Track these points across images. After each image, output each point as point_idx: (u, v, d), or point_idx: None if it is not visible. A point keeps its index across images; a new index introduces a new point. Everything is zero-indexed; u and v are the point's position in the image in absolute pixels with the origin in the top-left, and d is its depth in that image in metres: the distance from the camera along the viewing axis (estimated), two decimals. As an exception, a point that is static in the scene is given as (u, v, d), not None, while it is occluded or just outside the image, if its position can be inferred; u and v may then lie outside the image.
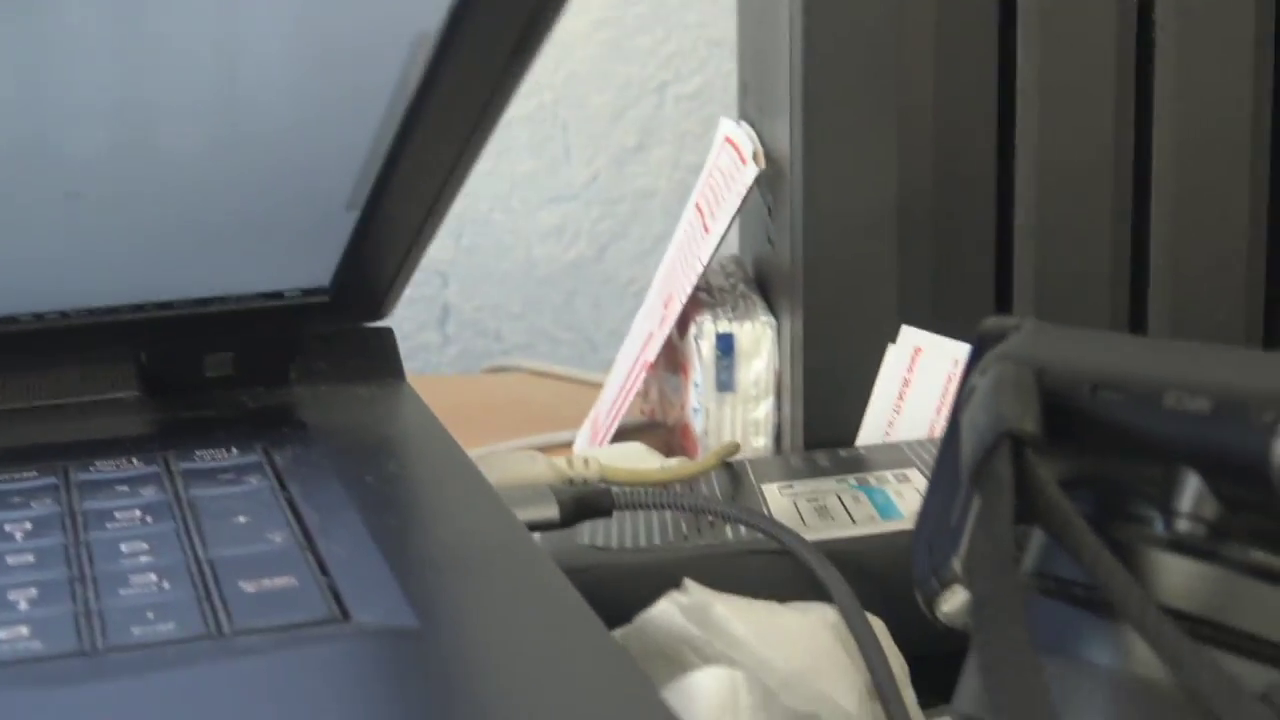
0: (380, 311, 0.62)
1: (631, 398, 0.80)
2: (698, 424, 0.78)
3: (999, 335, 0.46)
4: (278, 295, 0.59)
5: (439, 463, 0.55)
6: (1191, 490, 0.40)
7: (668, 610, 0.47)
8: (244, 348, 0.61)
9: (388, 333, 0.64)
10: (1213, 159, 0.71)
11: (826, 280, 0.73)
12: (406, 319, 1.27)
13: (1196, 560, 0.40)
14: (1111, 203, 0.72)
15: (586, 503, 0.55)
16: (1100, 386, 0.41)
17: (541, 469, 0.58)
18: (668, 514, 0.60)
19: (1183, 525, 0.40)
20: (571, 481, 0.59)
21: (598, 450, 0.72)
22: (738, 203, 0.78)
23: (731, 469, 0.67)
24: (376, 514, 0.49)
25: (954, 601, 0.46)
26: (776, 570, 0.55)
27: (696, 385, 0.78)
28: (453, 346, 1.28)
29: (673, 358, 0.85)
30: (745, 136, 0.81)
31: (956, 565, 0.45)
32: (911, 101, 0.72)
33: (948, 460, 0.47)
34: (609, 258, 1.27)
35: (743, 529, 0.57)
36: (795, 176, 0.73)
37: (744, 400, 0.78)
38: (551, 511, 0.55)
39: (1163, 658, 0.38)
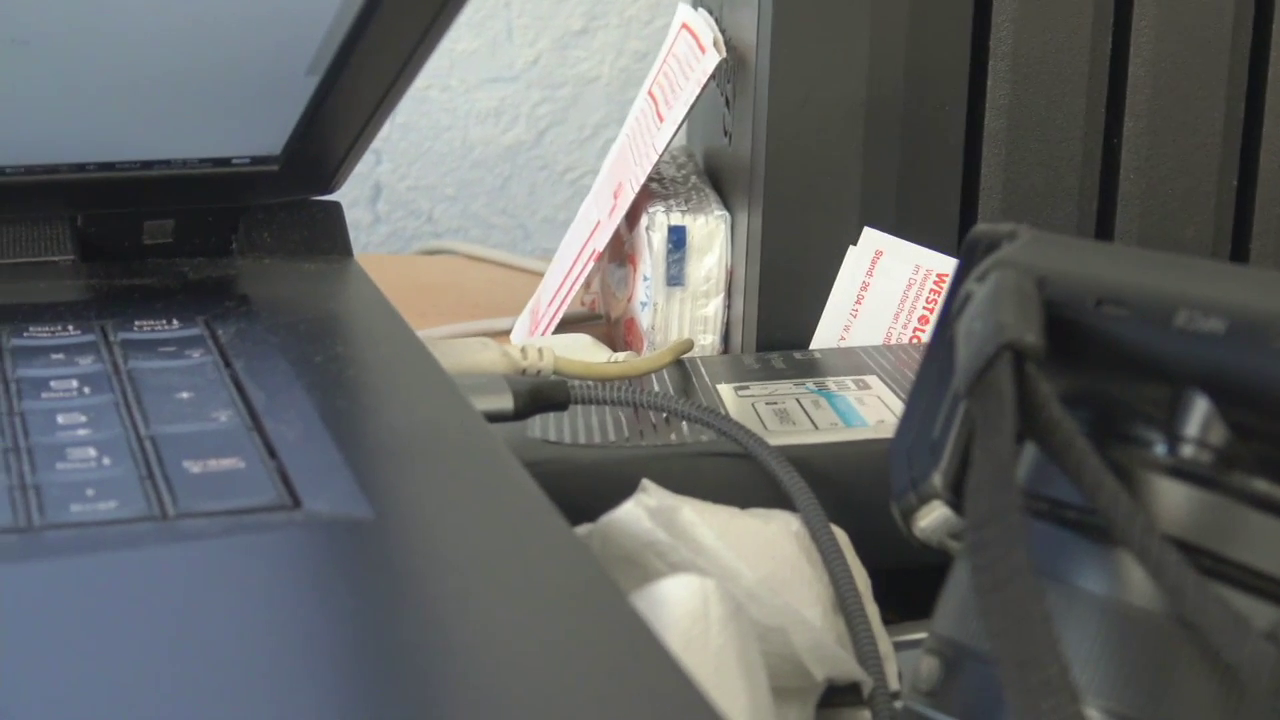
0: (330, 185, 0.60)
1: (578, 287, 0.78)
2: (644, 319, 0.76)
3: (993, 242, 0.44)
4: (225, 162, 0.57)
5: (391, 345, 0.52)
6: (1200, 414, 0.38)
7: (634, 512, 0.45)
8: (186, 215, 0.59)
9: (335, 207, 0.62)
10: (1190, 69, 0.70)
11: (788, 176, 0.70)
12: (338, 195, 1.24)
13: (1200, 488, 0.38)
14: (1085, 110, 0.70)
15: (542, 395, 0.53)
16: (1105, 300, 0.39)
17: (494, 357, 0.56)
18: (619, 411, 0.58)
19: (1188, 450, 0.38)
20: (524, 372, 0.57)
21: (548, 340, 0.70)
22: (696, 91, 0.76)
23: (682, 367, 0.65)
24: (326, 396, 0.47)
25: (932, 517, 0.44)
26: (736, 474, 0.53)
27: (645, 279, 0.76)
28: (383, 226, 1.25)
29: (619, 249, 0.82)
30: (704, 24, 0.79)
31: (937, 480, 0.43)
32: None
33: (932, 370, 0.45)
34: (547, 143, 1.25)
35: (697, 430, 0.55)
36: (760, 66, 0.70)
37: (694, 296, 0.75)
38: (506, 402, 0.52)
39: (1163, 589, 0.36)
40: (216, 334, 0.51)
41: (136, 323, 0.52)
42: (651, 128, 0.79)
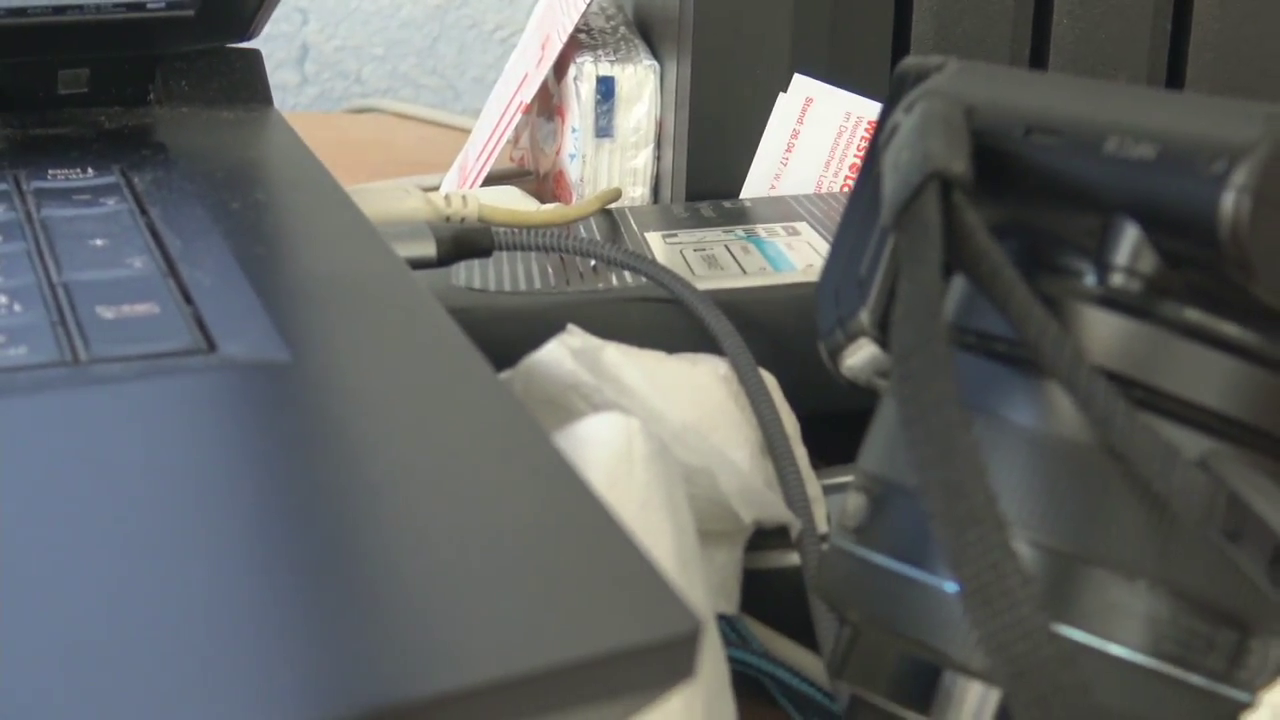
0: (248, 31, 0.59)
1: (505, 139, 0.77)
2: (573, 171, 0.75)
3: (921, 74, 0.43)
4: (140, 6, 0.55)
5: (311, 192, 0.51)
6: (1129, 242, 0.37)
7: (557, 353, 0.44)
8: (101, 64, 0.57)
9: (255, 55, 0.60)
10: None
11: (717, 23, 0.69)
12: (264, 56, 1.22)
13: (1129, 318, 0.37)
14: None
15: (466, 241, 0.52)
16: (1034, 129, 0.39)
17: (417, 204, 0.55)
18: (543, 259, 0.57)
19: (1117, 279, 0.38)
20: (449, 219, 0.56)
21: (474, 191, 0.69)
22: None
23: (610, 217, 0.64)
24: (243, 242, 0.46)
25: (859, 355, 0.43)
26: (664, 319, 0.52)
27: (574, 130, 0.75)
28: (311, 87, 1.23)
29: (547, 103, 0.81)
30: None
31: (864, 317, 0.43)
32: None
33: (859, 206, 0.44)
34: (475, 1, 1.23)
35: (626, 277, 0.54)
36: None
37: (623, 148, 0.75)
38: (429, 249, 0.51)
39: (1092, 419, 0.36)
40: (132, 182, 0.50)
41: (50, 171, 0.51)
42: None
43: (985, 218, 0.39)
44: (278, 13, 1.21)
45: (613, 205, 0.66)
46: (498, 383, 0.38)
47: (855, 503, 0.40)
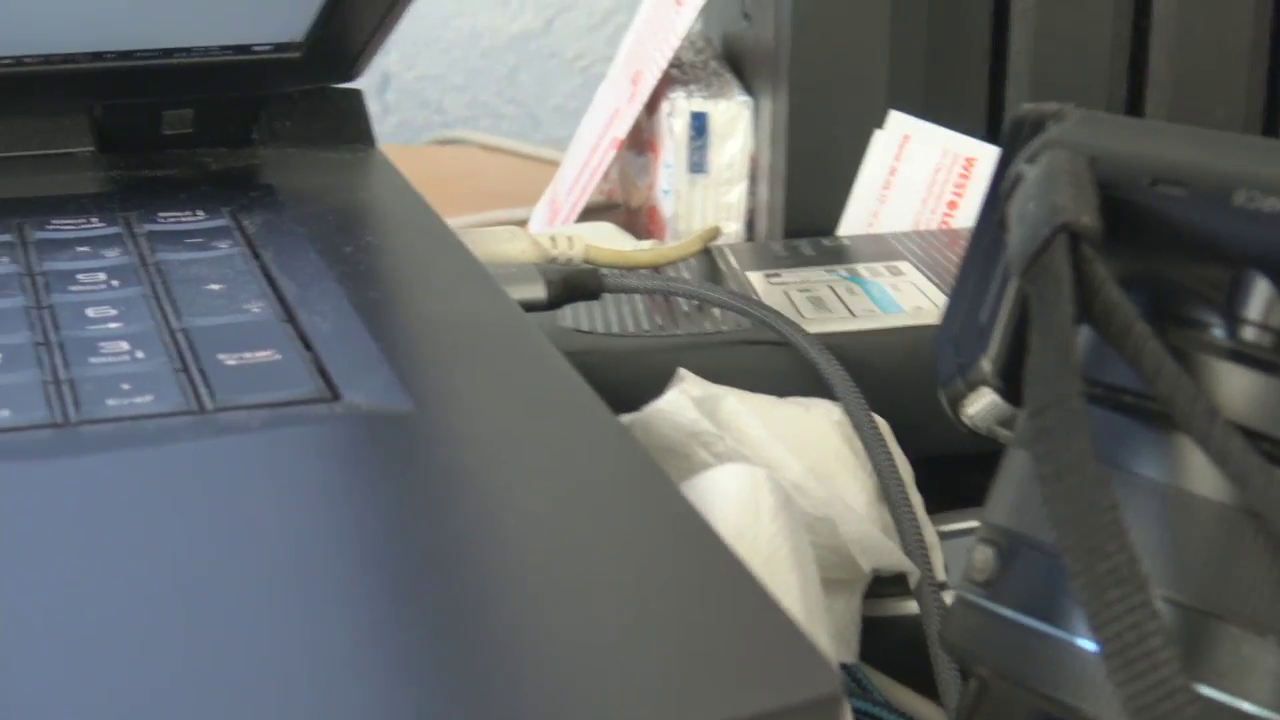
0: (353, 72, 0.59)
1: (599, 175, 0.77)
2: (667, 206, 0.75)
3: (1039, 122, 0.43)
4: (246, 49, 0.56)
5: (420, 234, 0.52)
6: (1261, 296, 0.37)
7: (678, 401, 0.44)
8: (206, 105, 0.58)
9: (357, 95, 0.61)
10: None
11: (813, 59, 0.69)
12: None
13: (1261, 372, 0.37)
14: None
15: (575, 283, 0.52)
16: (1160, 180, 0.39)
17: (524, 246, 0.55)
18: (647, 300, 0.57)
19: (1249, 333, 0.37)
20: (555, 260, 0.56)
21: (574, 228, 0.69)
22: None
23: (709, 256, 0.64)
24: (358, 286, 0.46)
25: (981, 404, 0.43)
26: (774, 363, 0.52)
27: (667, 166, 0.75)
28: (392, 116, 1.24)
29: (638, 137, 0.81)
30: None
31: (985, 366, 0.43)
32: None
33: (978, 253, 0.44)
34: (556, 30, 1.23)
35: (732, 318, 0.54)
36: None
37: (717, 183, 0.75)
38: (539, 291, 0.51)
39: (1227, 475, 0.36)
40: (243, 224, 0.51)
41: (161, 214, 0.51)
42: (669, 11, 0.78)
43: (1113, 269, 0.39)
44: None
45: (712, 243, 0.66)
46: (622, 430, 0.38)
47: (983, 555, 0.39)
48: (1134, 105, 0.69)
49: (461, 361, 0.43)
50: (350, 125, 0.60)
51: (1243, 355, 0.37)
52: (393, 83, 1.23)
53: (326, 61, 0.57)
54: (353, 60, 0.58)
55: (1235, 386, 0.38)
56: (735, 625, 0.32)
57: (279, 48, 0.56)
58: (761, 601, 0.32)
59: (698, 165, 0.74)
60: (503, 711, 0.29)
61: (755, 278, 0.60)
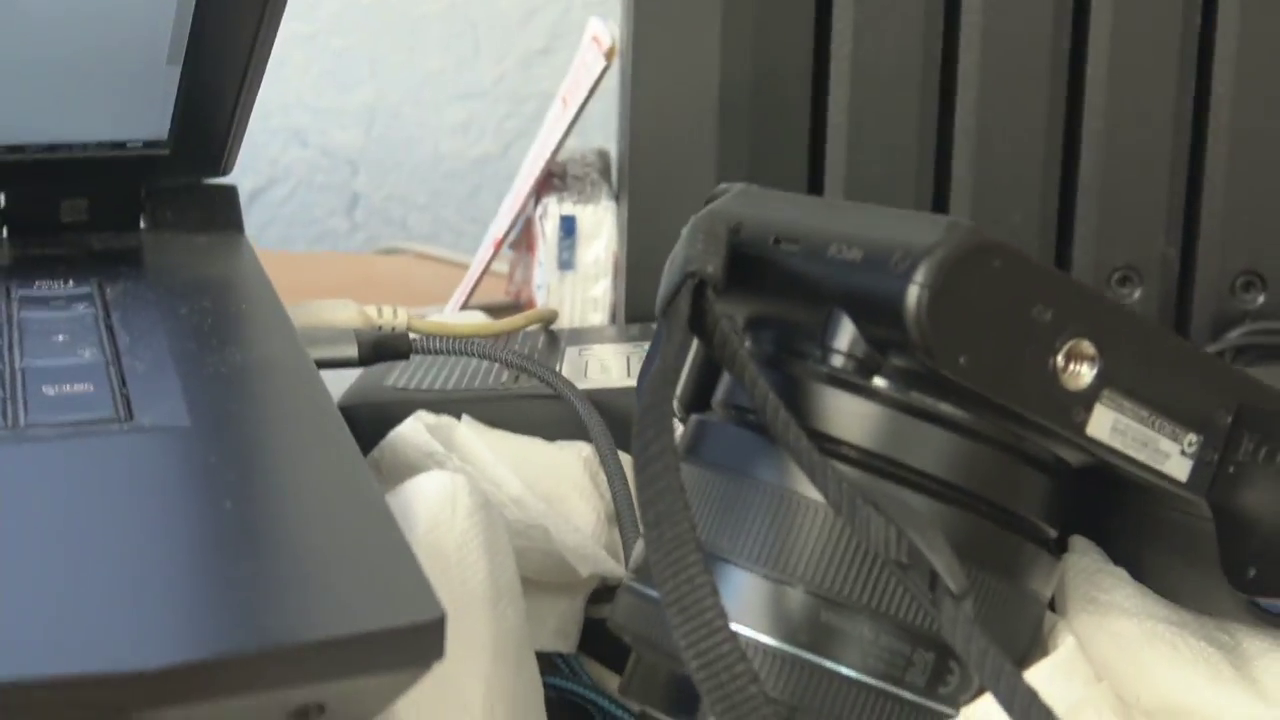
0: (220, 167, 0.68)
1: (481, 271, 0.86)
2: (540, 299, 0.84)
3: (713, 198, 0.52)
4: (121, 145, 0.65)
5: (252, 303, 0.60)
6: (844, 329, 0.46)
7: (414, 426, 0.52)
8: (96, 194, 0.67)
9: (231, 189, 0.70)
10: (1015, 68, 0.77)
11: (650, 166, 0.78)
12: (317, 204, 1.33)
13: (856, 395, 0.46)
14: (919, 107, 0.77)
15: (385, 345, 0.61)
16: (781, 238, 0.47)
17: (351, 315, 0.64)
18: (480, 367, 0.65)
19: (836, 360, 0.46)
20: (380, 328, 0.65)
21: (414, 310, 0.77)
22: (585, 92, 0.84)
23: (553, 335, 0.73)
24: (179, 339, 0.55)
25: (678, 432, 0.51)
26: (550, 413, 0.60)
27: (540, 263, 0.84)
28: (360, 233, 1.33)
29: (530, 240, 0.90)
30: (608, 32, 0.87)
31: (674, 402, 0.51)
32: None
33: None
34: (513, 154, 1.33)
35: (532, 381, 0.63)
36: (626, 66, 0.78)
37: (584, 279, 0.83)
38: (350, 350, 0.60)
39: (805, 472, 0.44)
40: (105, 292, 0.59)
41: (38, 282, 0.60)
42: (557, 126, 0.87)
43: (750, 311, 0.48)
44: (329, 164, 1.32)
45: (561, 327, 0.75)
46: (354, 452, 0.47)
47: (639, 547, 0.48)
48: (939, 205, 0.78)
49: (244, 396, 0.51)
50: (222, 215, 0.69)
51: (835, 379, 0.46)
52: (361, 202, 1.32)
53: (193, 157, 0.66)
54: (218, 155, 0.67)
55: (838, 408, 0.46)
56: (371, 569, 0.41)
57: (149, 144, 0.65)
58: (399, 552, 0.41)
59: (566, 263, 0.83)
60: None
61: (571, 351, 0.68)
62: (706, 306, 0.46)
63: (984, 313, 0.43)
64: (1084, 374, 0.45)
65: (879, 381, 0.46)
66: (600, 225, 0.83)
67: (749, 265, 0.48)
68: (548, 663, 0.53)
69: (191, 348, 0.55)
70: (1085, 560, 0.51)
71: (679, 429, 0.51)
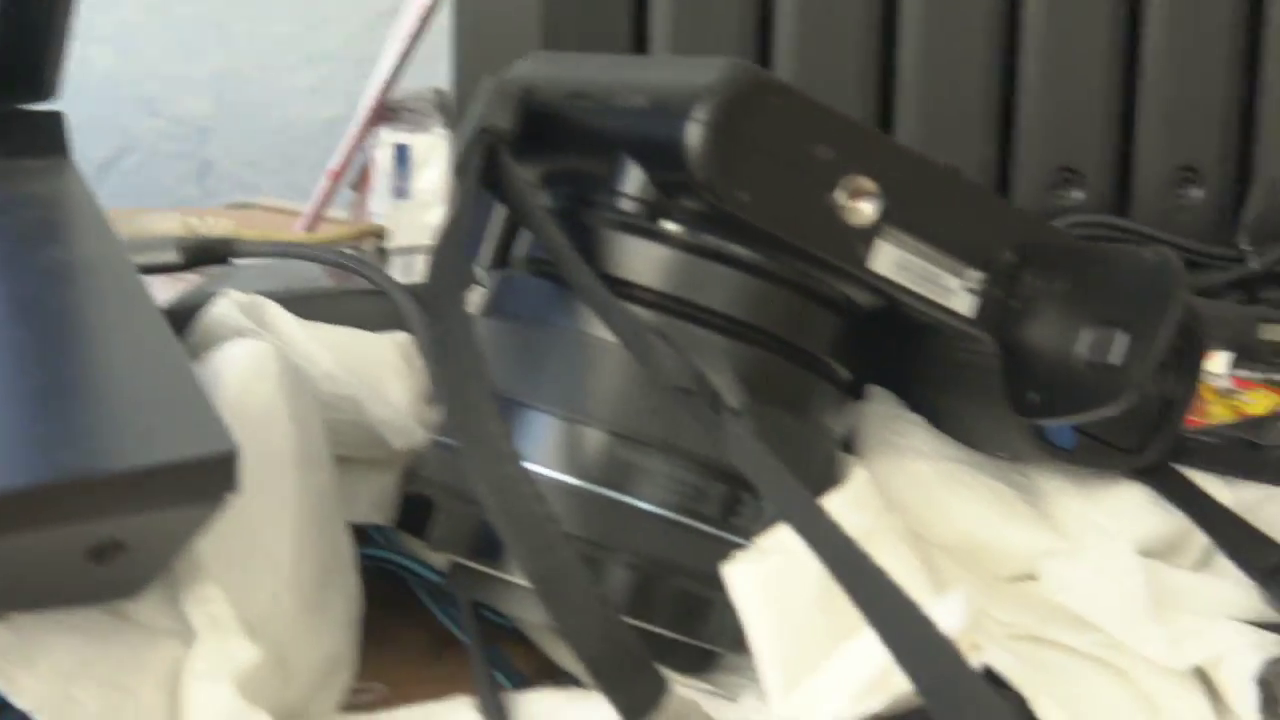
0: (43, 92, 0.68)
1: (318, 203, 0.87)
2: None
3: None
4: (-55, 71, 0.65)
5: (74, 213, 0.61)
6: (632, 175, 0.47)
7: (224, 305, 0.53)
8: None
9: (55, 114, 0.70)
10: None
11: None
12: (168, 172, 1.33)
13: (646, 239, 0.47)
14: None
15: (207, 249, 0.62)
16: (573, 94, 0.49)
17: (174, 225, 0.65)
18: (333, 276, 0.66)
19: (626, 205, 0.47)
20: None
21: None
22: (416, 21, 0.84)
23: (383, 252, 0.74)
24: (7, 242, 0.56)
25: (473, 299, 0.52)
26: (375, 308, 0.61)
27: (376, 192, 0.85)
28: (213, 200, 1.33)
29: (368, 178, 0.91)
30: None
31: (476, 270, 0.52)
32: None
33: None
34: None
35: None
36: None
37: (418, 206, 0.84)
38: (171, 255, 0.61)
39: (595, 311, 0.45)
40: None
41: None
42: (390, 58, 0.88)
43: (548, 167, 0.49)
44: (180, 132, 1.32)
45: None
46: (166, 331, 0.47)
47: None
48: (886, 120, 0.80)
49: (61, 282, 0.52)
50: (45, 139, 0.69)
51: (625, 224, 0.47)
52: (214, 169, 1.33)
53: (13, 82, 0.67)
54: (39, 81, 0.67)
55: (621, 248, 0.47)
56: (165, 409, 0.42)
57: (-33, 68, 0.65)
58: (192, 393, 0.42)
59: (401, 191, 0.84)
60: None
61: (399, 259, 0.70)
62: (499, 162, 0.47)
63: (764, 149, 0.45)
64: (865, 210, 0.46)
65: (669, 225, 0.47)
66: (433, 153, 0.84)
67: (543, 123, 0.49)
68: (363, 535, 0.54)
69: (11, 247, 0.55)
70: (882, 407, 0.53)
71: (480, 293, 0.52)
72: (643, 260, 0.47)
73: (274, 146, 1.32)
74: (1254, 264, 0.82)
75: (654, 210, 0.47)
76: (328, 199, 0.88)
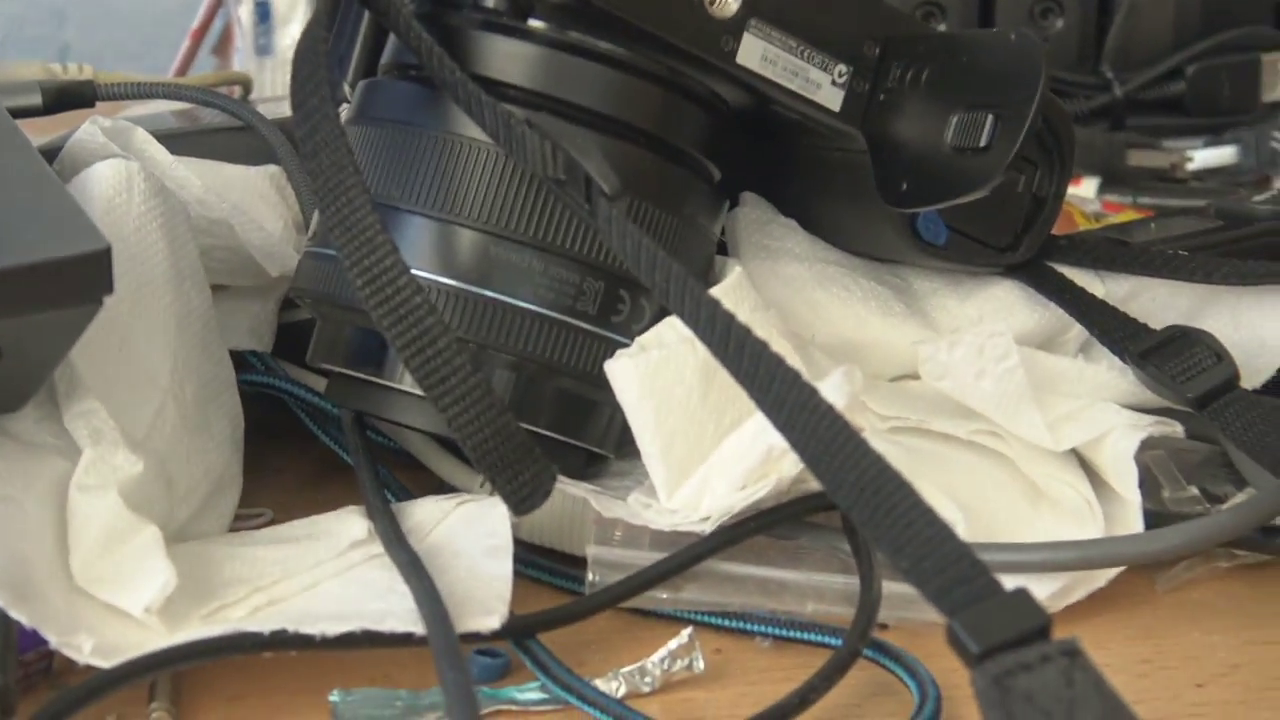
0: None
1: (181, 62, 0.86)
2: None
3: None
4: None
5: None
6: (496, -28, 0.47)
7: (90, 130, 0.53)
8: None
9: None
10: None
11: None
12: (26, 57, 1.31)
13: (512, 37, 0.47)
14: None
15: (69, 92, 0.61)
16: None
17: (35, 70, 0.64)
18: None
19: (490, 3, 0.47)
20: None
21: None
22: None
23: (249, 102, 0.73)
24: None
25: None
26: (246, 144, 0.60)
27: (239, 51, 0.84)
28: (73, 85, 1.31)
29: (230, 40, 0.90)
30: None
31: (344, 87, 0.52)
32: None
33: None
34: (223, -4, 1.32)
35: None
36: None
37: (282, 62, 0.84)
38: (34, 99, 0.60)
39: (463, 108, 0.45)
40: None
41: None
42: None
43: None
44: (37, 16, 1.30)
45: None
46: (33, 155, 0.47)
47: (315, 215, 0.49)
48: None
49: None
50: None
51: (490, 24, 0.47)
52: (72, 53, 1.31)
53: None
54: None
55: (488, 47, 0.47)
56: (32, 214, 0.41)
57: None
58: (59, 197, 0.42)
59: (264, 48, 0.83)
60: None
61: (266, 106, 0.69)
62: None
63: (628, -58, 0.45)
64: (730, 3, 0.46)
65: (535, 22, 0.47)
66: (295, 8, 0.83)
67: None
68: (242, 360, 0.53)
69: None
70: (755, 212, 0.53)
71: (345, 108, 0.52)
72: (509, 59, 0.47)
73: (134, 30, 1.31)
74: (1118, 91, 0.83)
75: (519, 8, 0.47)
76: (190, 59, 0.87)
